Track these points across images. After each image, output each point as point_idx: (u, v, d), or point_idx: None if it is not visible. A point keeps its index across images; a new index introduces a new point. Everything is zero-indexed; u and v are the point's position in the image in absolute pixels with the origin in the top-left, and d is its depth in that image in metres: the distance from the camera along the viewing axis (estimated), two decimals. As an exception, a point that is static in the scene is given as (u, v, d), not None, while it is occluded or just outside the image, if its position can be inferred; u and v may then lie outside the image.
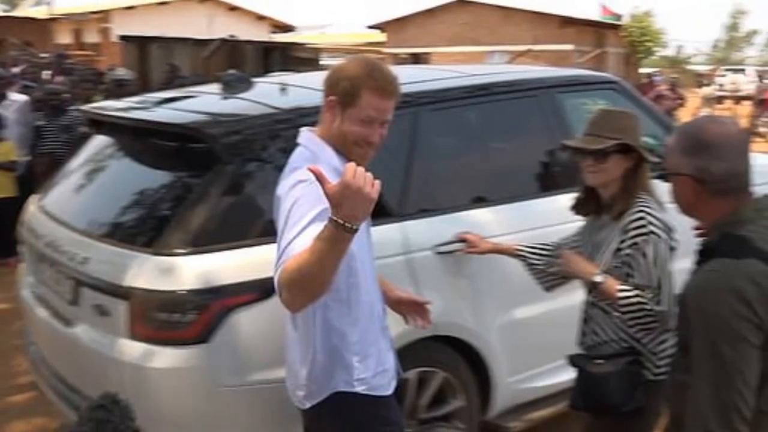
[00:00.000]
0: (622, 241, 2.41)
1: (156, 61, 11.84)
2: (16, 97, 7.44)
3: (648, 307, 2.34)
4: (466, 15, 30.11)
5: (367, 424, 2.23)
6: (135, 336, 2.71)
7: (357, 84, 2.08)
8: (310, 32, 44.12)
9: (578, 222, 2.70)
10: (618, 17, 31.32)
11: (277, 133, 2.90)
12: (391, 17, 32.70)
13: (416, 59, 28.31)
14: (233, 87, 3.53)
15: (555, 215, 3.16)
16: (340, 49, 27.42)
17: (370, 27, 34.08)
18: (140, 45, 12.33)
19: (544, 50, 24.92)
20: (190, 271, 2.67)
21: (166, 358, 2.67)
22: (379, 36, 33.64)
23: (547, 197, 3.48)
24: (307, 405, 2.23)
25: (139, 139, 3.30)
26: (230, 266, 2.70)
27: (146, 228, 2.88)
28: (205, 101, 3.51)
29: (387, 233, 2.94)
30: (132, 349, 2.71)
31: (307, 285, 1.82)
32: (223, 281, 2.67)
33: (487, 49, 28.18)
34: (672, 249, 2.42)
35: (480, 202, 3.38)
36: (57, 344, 3.19)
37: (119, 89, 7.01)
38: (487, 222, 3.24)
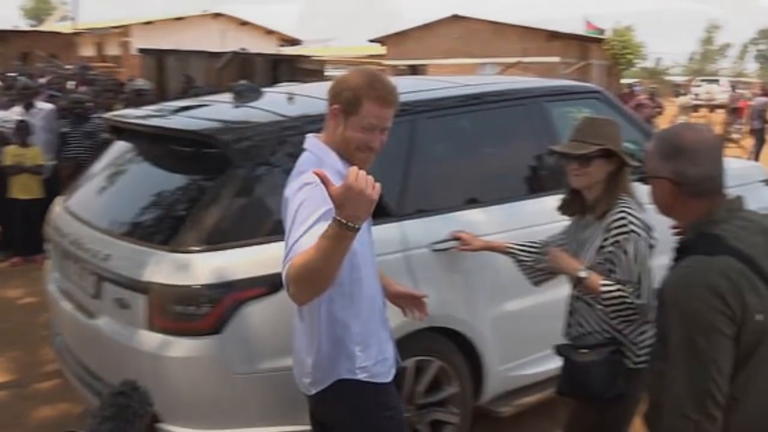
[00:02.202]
0: (605, 239, 2.41)
1: (172, 73, 11.83)
2: (43, 106, 7.43)
3: (629, 300, 2.34)
4: (460, 29, 30.07)
5: (369, 409, 2.23)
6: (153, 327, 2.70)
7: (359, 94, 2.08)
8: (315, 45, 44.03)
9: (564, 221, 2.70)
10: (601, 32, 31.22)
11: (284, 139, 2.89)
12: (390, 32, 32.63)
13: (414, 70, 28.28)
14: (244, 96, 3.53)
15: (542, 215, 3.16)
16: (343, 61, 27.40)
17: (371, 41, 33.99)
18: (158, 57, 12.32)
19: (532, 62, 24.88)
20: (205, 267, 2.67)
21: (182, 347, 2.67)
22: (380, 49, 33.58)
23: (535, 198, 3.47)
24: (313, 391, 2.23)
25: (157, 145, 3.30)
26: (241, 263, 2.70)
27: (163, 227, 2.88)
28: (218, 109, 3.51)
29: (387, 232, 2.94)
30: (150, 339, 2.71)
31: (312, 280, 1.82)
32: (234, 276, 2.67)
33: (480, 61, 28.14)
34: (651, 246, 2.42)
35: (473, 203, 3.37)
36: (81, 335, 3.19)
37: (138, 98, 7.01)
38: (480, 221, 3.24)
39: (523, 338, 3.39)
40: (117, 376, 2.36)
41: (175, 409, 2.69)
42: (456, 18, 30.40)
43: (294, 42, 33.64)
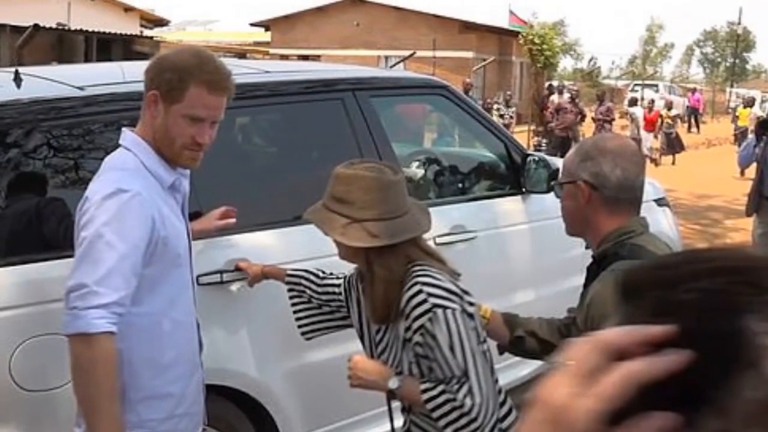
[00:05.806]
0: (407, 329, 2.07)
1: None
2: None
3: (458, 404, 2.01)
4: (360, 15, 30.20)
5: None
6: None
7: (185, 76, 2.08)
8: (195, 28, 43.23)
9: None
10: (531, 27, 31.13)
11: None
12: (277, 14, 32.25)
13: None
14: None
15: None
16: (222, 48, 26.97)
17: (253, 24, 33.46)
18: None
19: (444, 57, 25.28)
20: None
21: None
22: (264, 35, 33.20)
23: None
24: None
25: None
26: None
27: None
28: None
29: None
30: None
31: None
32: None
33: (383, 53, 28.35)
34: (470, 316, 2.08)
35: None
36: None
37: None
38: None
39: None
40: None
41: None
42: (355, 2, 30.48)
43: (160, 22, 32.65)
